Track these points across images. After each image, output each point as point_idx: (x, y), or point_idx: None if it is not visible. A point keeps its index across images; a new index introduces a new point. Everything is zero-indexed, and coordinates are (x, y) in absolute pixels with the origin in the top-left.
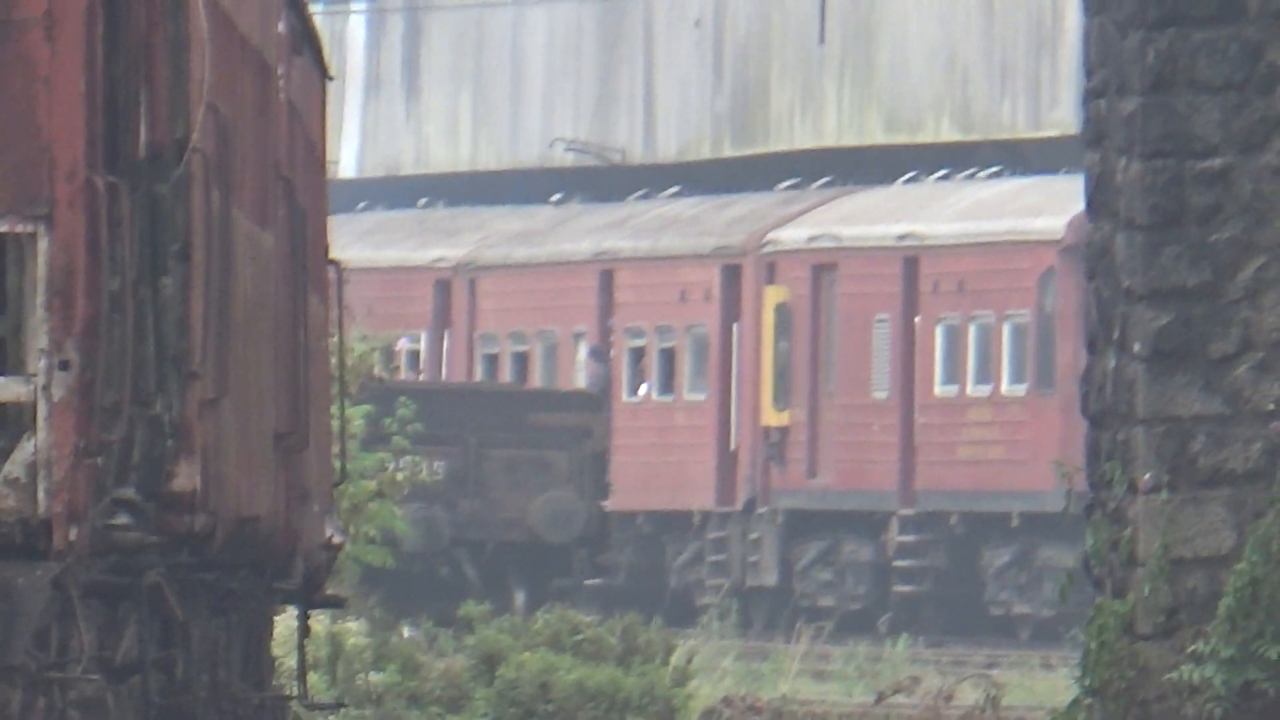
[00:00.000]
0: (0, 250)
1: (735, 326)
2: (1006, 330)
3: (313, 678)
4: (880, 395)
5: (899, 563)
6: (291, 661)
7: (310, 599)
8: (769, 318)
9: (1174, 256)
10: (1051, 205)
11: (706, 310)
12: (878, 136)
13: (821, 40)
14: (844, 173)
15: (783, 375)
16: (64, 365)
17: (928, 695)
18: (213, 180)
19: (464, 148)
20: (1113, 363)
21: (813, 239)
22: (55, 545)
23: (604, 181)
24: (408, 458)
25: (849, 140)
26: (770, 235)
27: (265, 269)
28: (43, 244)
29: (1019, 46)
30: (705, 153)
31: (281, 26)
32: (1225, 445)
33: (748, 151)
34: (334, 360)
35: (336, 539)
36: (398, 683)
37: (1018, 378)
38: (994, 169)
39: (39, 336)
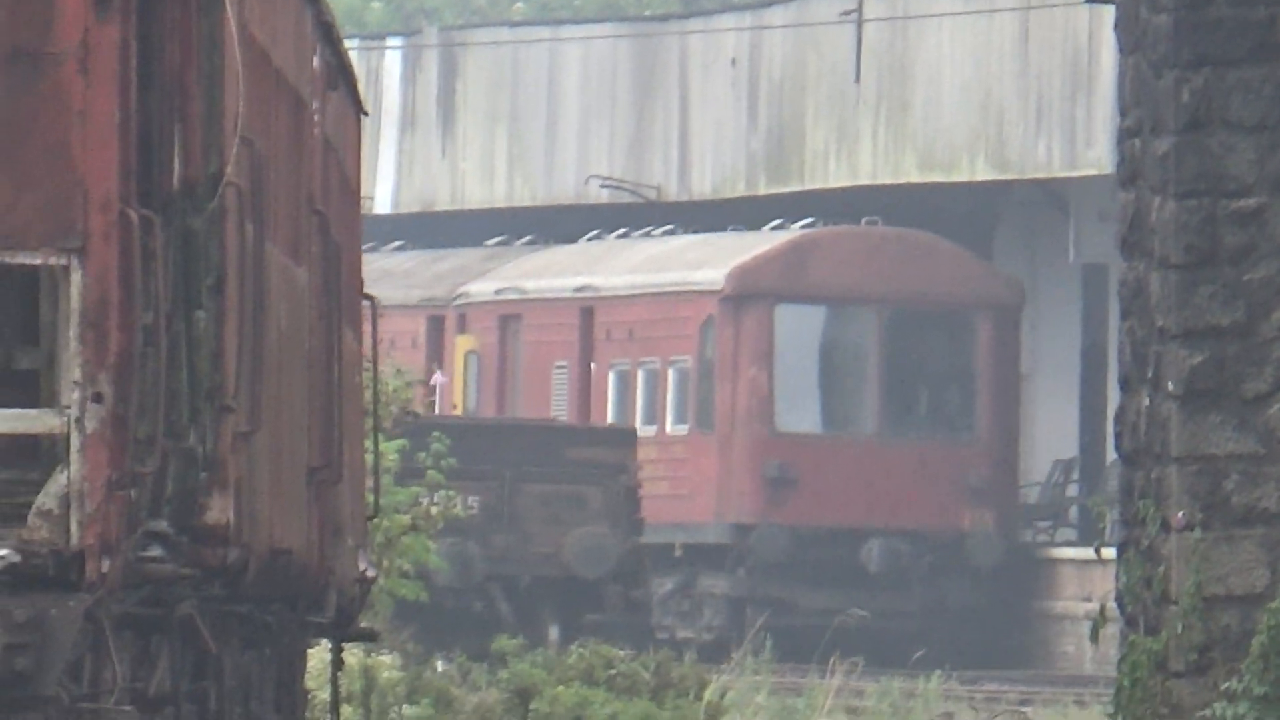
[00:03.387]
0: (34, 282)
1: (438, 372)
2: (671, 375)
3: (345, 711)
4: None
5: None
6: (324, 695)
7: (343, 633)
8: (459, 364)
9: (1208, 296)
10: (715, 259)
11: (413, 357)
12: (913, 175)
13: (857, 79)
14: (879, 211)
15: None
16: (97, 398)
17: None
18: (247, 214)
19: (499, 184)
20: (1146, 401)
21: (499, 291)
22: (88, 577)
23: (639, 218)
24: (442, 492)
25: (884, 179)
26: (463, 288)
27: (299, 303)
28: (76, 276)
29: (1054, 86)
30: (740, 190)
31: (316, 61)
32: (1259, 484)
33: (783, 189)
34: (368, 395)
35: (370, 573)
36: (431, 717)
37: (680, 418)
38: (668, 228)
39: (72, 369)
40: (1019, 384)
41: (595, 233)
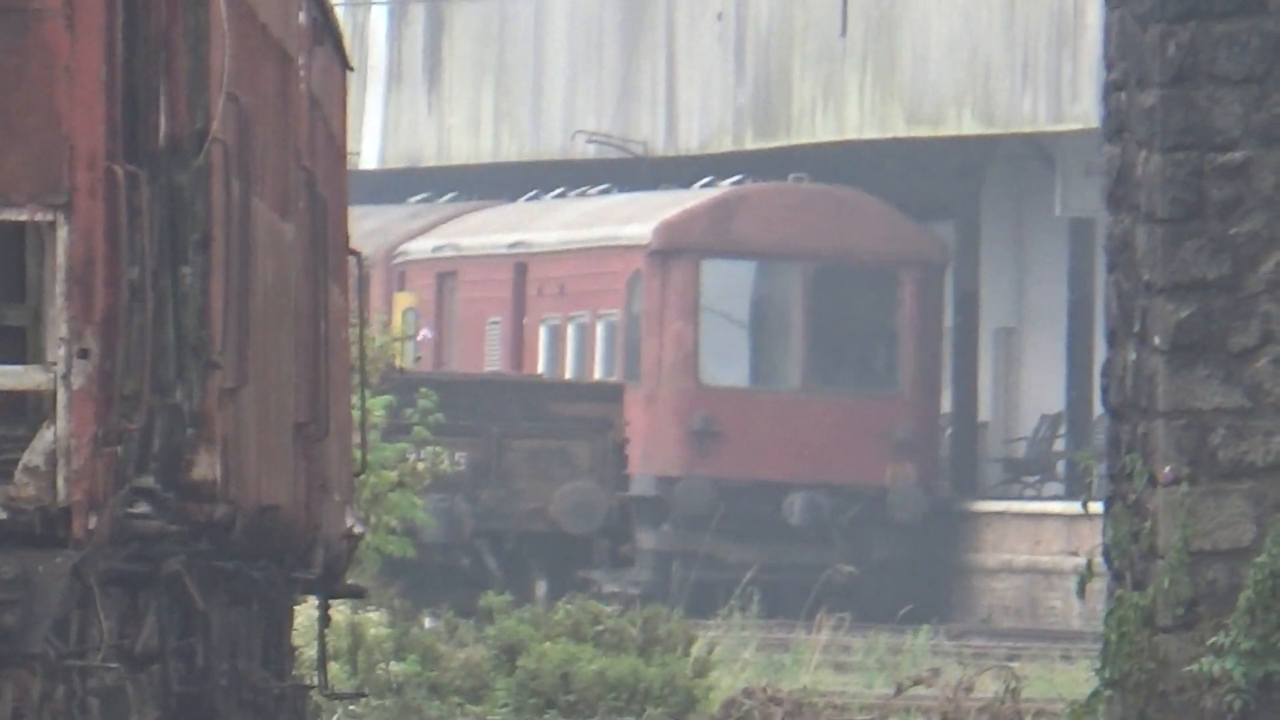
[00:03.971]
0: (20, 239)
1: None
2: (600, 328)
3: (333, 668)
4: None
5: None
6: (312, 651)
7: (331, 589)
8: (398, 320)
9: (1194, 250)
10: (644, 215)
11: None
12: (899, 130)
13: (843, 33)
14: (867, 165)
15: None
16: (83, 354)
17: (948, 687)
18: (233, 170)
19: (486, 140)
20: (1133, 356)
21: (437, 249)
22: (74, 534)
23: (626, 173)
24: (429, 448)
25: (870, 133)
26: (402, 247)
27: (286, 259)
28: (62, 233)
29: (1040, 41)
30: (727, 145)
31: (302, 17)
32: (1245, 438)
33: (770, 144)
34: (354, 350)
35: (357, 529)
36: (418, 673)
37: (609, 371)
38: (604, 187)
39: (58, 325)
40: (942, 340)
41: (534, 192)
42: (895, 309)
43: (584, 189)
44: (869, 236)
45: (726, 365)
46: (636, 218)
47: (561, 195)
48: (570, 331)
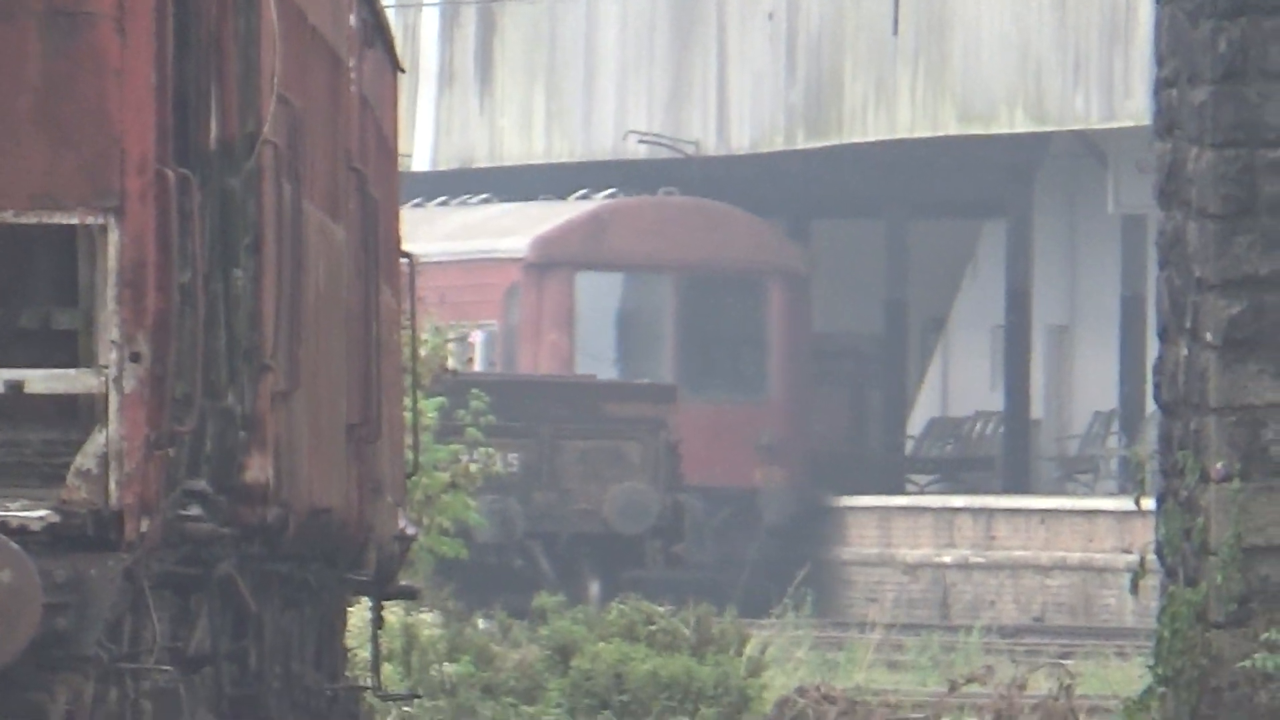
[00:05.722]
0: (72, 243)
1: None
2: (480, 338)
3: (387, 669)
4: None
5: None
6: (365, 653)
7: (383, 590)
8: None
9: (1246, 245)
10: (521, 227)
11: None
12: (951, 128)
13: (895, 32)
14: (918, 164)
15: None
16: (135, 357)
17: (1001, 685)
18: (284, 172)
19: (538, 140)
20: (1185, 352)
21: None
22: (127, 537)
23: (678, 173)
24: (481, 449)
25: (922, 132)
26: None
27: (337, 261)
28: (113, 236)
29: (1092, 38)
30: (779, 144)
31: (353, 19)
32: None
33: (821, 143)
34: (406, 352)
35: (410, 531)
36: (472, 674)
37: None
38: (484, 196)
39: (110, 329)
40: (809, 346)
41: (418, 200)
42: (763, 317)
43: (465, 198)
44: (736, 248)
45: (601, 374)
46: (514, 230)
47: (444, 204)
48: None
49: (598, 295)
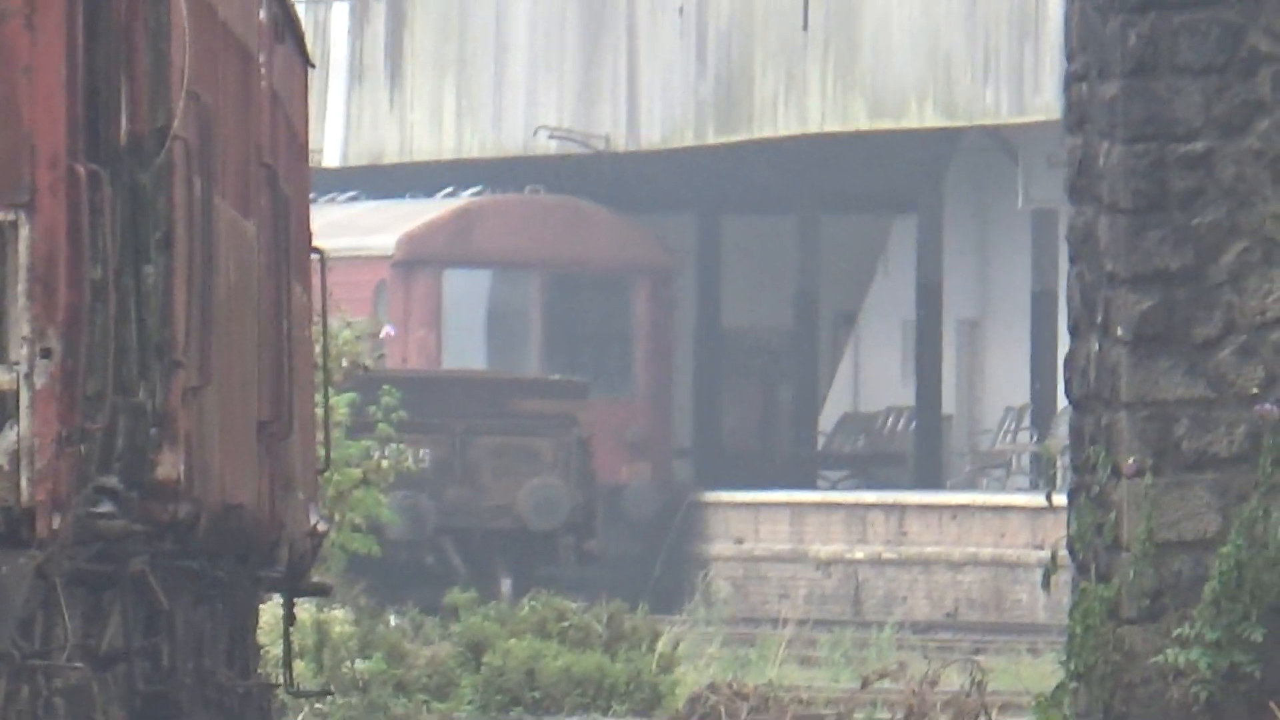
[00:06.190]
0: None
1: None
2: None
3: (298, 666)
4: None
5: None
6: (277, 650)
7: (295, 587)
8: None
9: (1157, 240)
10: (389, 225)
11: None
12: (861, 123)
13: (805, 26)
14: (828, 158)
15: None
16: (46, 353)
17: (913, 681)
18: (195, 168)
19: (448, 136)
20: (1096, 347)
21: None
22: (38, 533)
23: (588, 169)
24: (393, 445)
25: (833, 126)
26: None
27: (248, 257)
28: (24, 232)
29: (1002, 32)
30: (689, 139)
31: (263, 14)
32: (1209, 429)
33: (732, 138)
34: (317, 348)
35: (321, 527)
36: (383, 670)
37: None
38: (351, 194)
39: (21, 324)
40: (673, 343)
41: (330, 195)
42: (628, 314)
43: (333, 195)
44: (602, 245)
45: None
46: (381, 228)
47: (311, 201)
48: None
49: (465, 293)
